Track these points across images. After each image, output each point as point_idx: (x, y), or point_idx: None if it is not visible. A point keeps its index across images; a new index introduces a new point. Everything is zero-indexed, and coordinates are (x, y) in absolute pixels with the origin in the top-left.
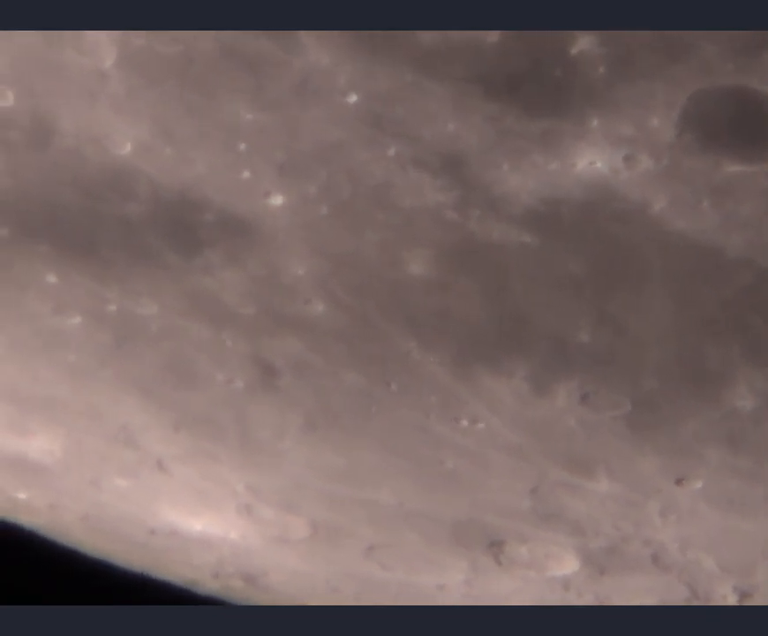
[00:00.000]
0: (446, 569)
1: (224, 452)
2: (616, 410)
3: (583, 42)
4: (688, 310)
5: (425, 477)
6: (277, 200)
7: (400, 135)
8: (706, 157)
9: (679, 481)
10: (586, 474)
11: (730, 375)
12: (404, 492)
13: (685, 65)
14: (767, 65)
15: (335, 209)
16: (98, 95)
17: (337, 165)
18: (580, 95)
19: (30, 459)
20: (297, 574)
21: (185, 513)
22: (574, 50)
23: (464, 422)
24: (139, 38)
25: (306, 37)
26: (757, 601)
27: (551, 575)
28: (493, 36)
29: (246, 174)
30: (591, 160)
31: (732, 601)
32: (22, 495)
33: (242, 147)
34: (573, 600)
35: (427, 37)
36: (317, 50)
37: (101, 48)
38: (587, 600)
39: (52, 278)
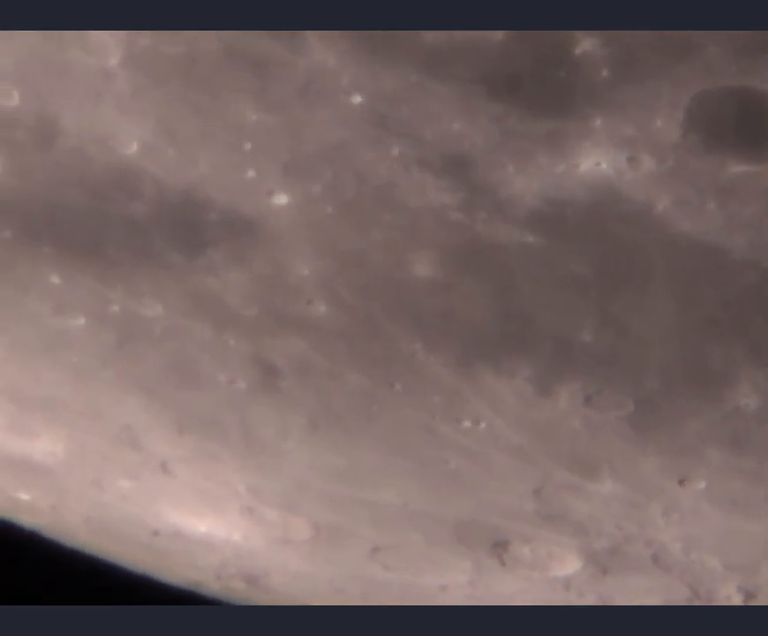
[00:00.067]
0: (449, 570)
1: (227, 453)
2: (619, 410)
3: (587, 43)
4: (692, 310)
5: (429, 478)
6: (281, 199)
7: (404, 136)
8: (710, 158)
9: (682, 482)
10: (589, 475)
11: (733, 375)
12: (408, 493)
13: (689, 66)
14: None
15: (339, 210)
16: (103, 95)
17: (341, 165)
18: (584, 96)
19: (33, 460)
20: (300, 575)
21: (188, 514)
22: (578, 51)
23: (468, 423)
24: (144, 38)
25: (311, 38)
26: (761, 601)
27: (553, 575)
28: (497, 37)
29: (251, 174)
30: (596, 161)
31: (737, 601)
32: (24, 496)
33: (246, 146)
34: (575, 600)
35: (431, 38)
36: (321, 51)
37: (107, 48)
38: (590, 600)
39: (55, 279)
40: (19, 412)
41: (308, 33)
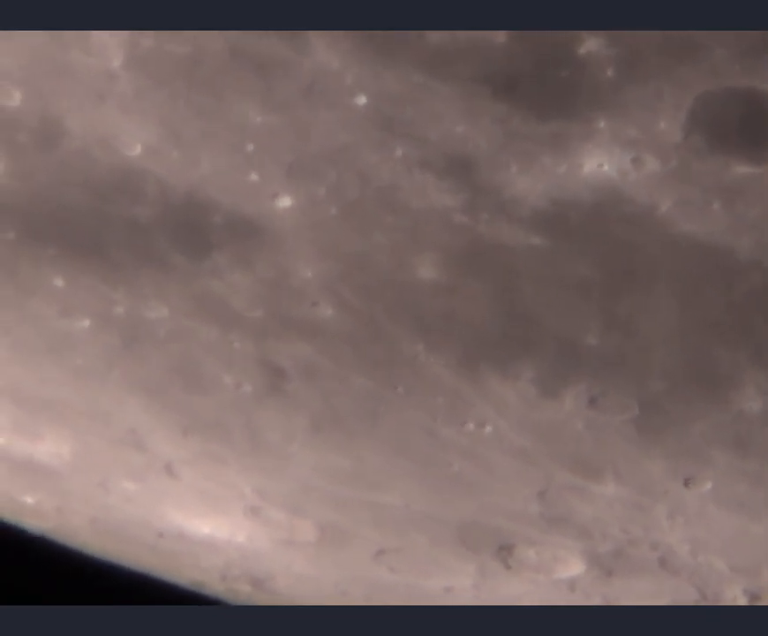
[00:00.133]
0: (454, 572)
1: (232, 455)
2: (624, 413)
3: (591, 44)
4: (696, 312)
5: (433, 480)
6: (285, 201)
7: (408, 137)
8: (714, 159)
9: (687, 484)
10: (594, 477)
11: (738, 378)
12: (412, 495)
13: (692, 67)
14: None
15: (342, 211)
16: (106, 96)
17: (345, 167)
18: (587, 97)
19: (38, 462)
20: (305, 577)
21: (193, 516)
22: (581, 52)
23: (471, 425)
24: (147, 39)
25: (314, 38)
26: (766, 602)
27: (558, 578)
28: (500, 37)
29: (254, 176)
30: (599, 162)
31: (742, 602)
32: (30, 499)
33: (250, 148)
34: (581, 603)
35: (435, 38)
36: (325, 52)
37: (109, 49)
38: (595, 603)
39: (59, 281)
40: (24, 415)
41: (312, 33)
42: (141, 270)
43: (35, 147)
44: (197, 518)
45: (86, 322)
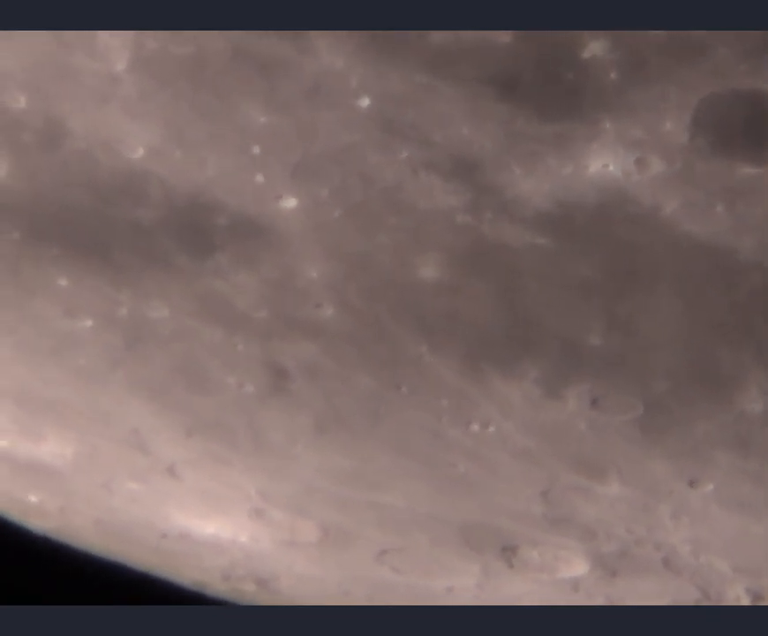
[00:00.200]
0: (457, 572)
1: (235, 456)
2: (627, 413)
3: (595, 46)
4: (700, 313)
5: (436, 480)
6: (290, 203)
7: (412, 138)
8: (719, 160)
9: (690, 484)
10: (597, 478)
11: (741, 378)
12: (415, 495)
13: (697, 68)
14: None
15: (347, 212)
16: (110, 98)
17: (350, 168)
18: (592, 98)
19: (41, 463)
20: (308, 578)
21: (196, 517)
22: (586, 54)
23: (475, 426)
24: (150, 41)
25: (318, 39)
26: None
27: (561, 578)
28: (504, 38)
29: (259, 177)
30: (604, 163)
31: (745, 602)
32: (33, 499)
33: (255, 150)
34: (584, 603)
35: (439, 39)
36: (329, 53)
37: (113, 51)
38: (599, 603)
39: (63, 281)
40: (27, 415)
41: (315, 34)
42: (145, 271)
43: (39, 148)
44: (200, 518)
45: (90, 323)
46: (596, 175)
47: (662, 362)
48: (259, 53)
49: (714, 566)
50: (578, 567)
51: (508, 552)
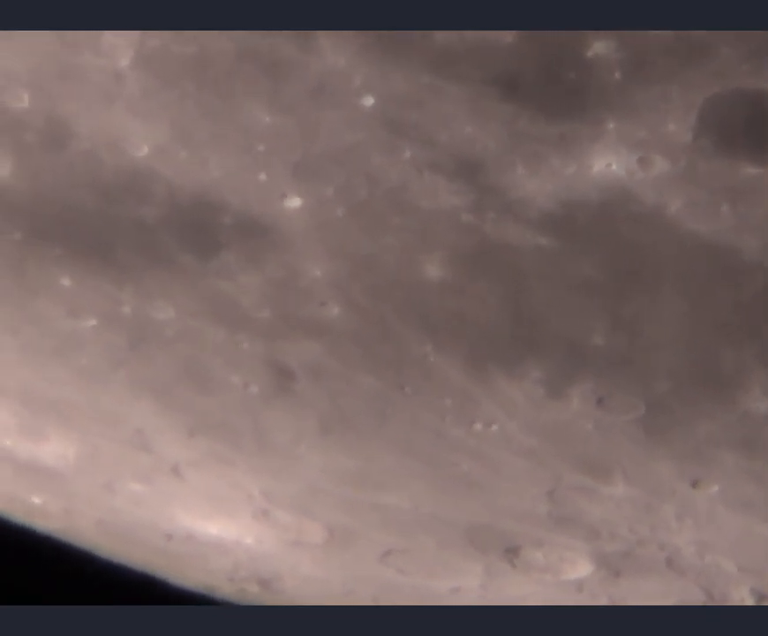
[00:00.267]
0: (461, 573)
1: (239, 456)
2: (631, 413)
3: (599, 46)
4: (703, 312)
5: (441, 480)
6: (294, 202)
7: (416, 138)
8: (723, 160)
9: (694, 484)
10: (601, 478)
11: (745, 378)
12: (419, 496)
13: (701, 68)
14: None
15: (351, 212)
16: (114, 97)
17: (354, 167)
18: (596, 98)
19: (44, 463)
20: (313, 579)
21: (201, 518)
22: (589, 53)
23: (479, 425)
24: (155, 40)
25: (323, 39)
26: None
27: (566, 579)
28: (508, 38)
29: (263, 176)
30: (607, 163)
31: (750, 603)
32: (36, 500)
33: (259, 149)
34: (588, 603)
35: (443, 39)
36: (333, 53)
37: (117, 50)
38: (603, 603)
39: (66, 281)
40: (30, 415)
41: (319, 34)
42: (148, 271)
43: (43, 147)
44: (204, 519)
45: (93, 322)
46: (599, 175)
47: (666, 362)
48: (263, 53)
49: (719, 567)
50: (582, 568)
51: (512, 553)
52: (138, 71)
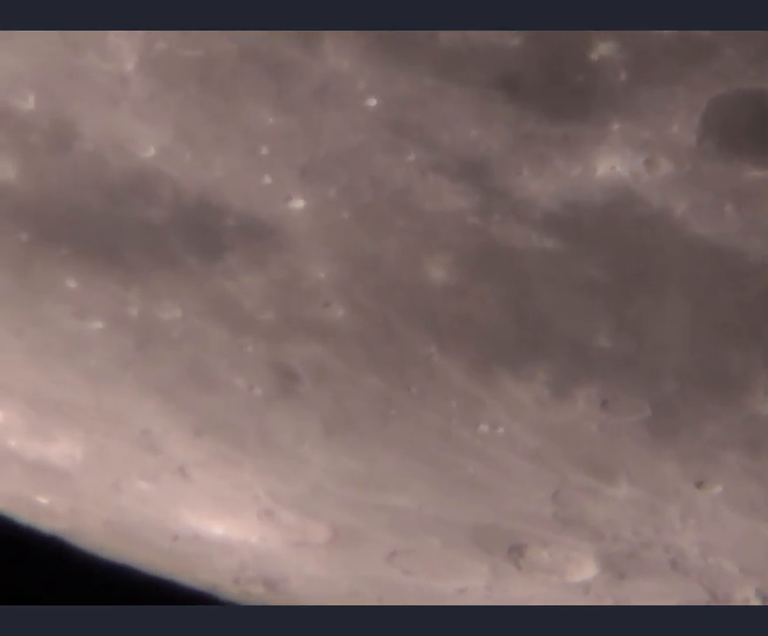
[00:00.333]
0: (466, 574)
1: (245, 457)
2: (636, 414)
3: (604, 48)
4: (708, 314)
5: (446, 482)
6: (298, 204)
7: (420, 140)
8: (727, 161)
9: (699, 486)
10: (606, 479)
11: (749, 380)
12: (425, 497)
13: (705, 70)
14: None
15: (355, 214)
16: (119, 99)
17: (358, 170)
18: (601, 100)
19: (51, 464)
20: (318, 579)
21: (207, 518)
22: (594, 56)
23: (484, 427)
24: (160, 42)
25: (326, 41)
26: None
27: (571, 580)
28: (513, 40)
29: (267, 178)
30: (612, 164)
31: (755, 604)
32: (43, 500)
33: (263, 151)
34: (592, 603)
35: (447, 41)
36: (337, 54)
37: (123, 52)
38: (607, 604)
39: (72, 283)
40: (37, 416)
41: (323, 36)
42: (154, 272)
43: (48, 149)
44: (210, 519)
45: (99, 324)
46: (604, 176)
47: (671, 364)
48: (267, 55)
49: (723, 568)
50: (588, 569)
51: (517, 553)
52: (143, 73)
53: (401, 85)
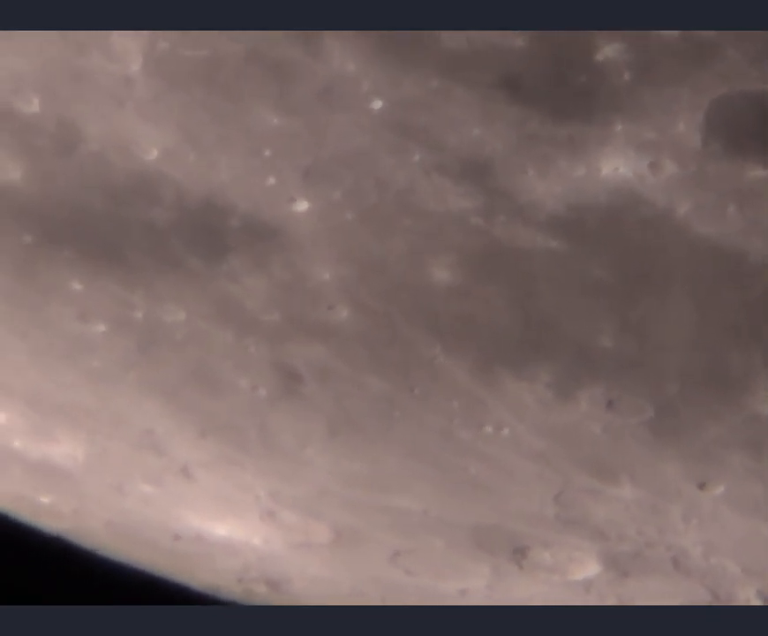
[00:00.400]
0: (469, 574)
1: (248, 458)
2: (639, 415)
3: (608, 49)
4: (711, 315)
5: (449, 483)
6: (302, 205)
7: (424, 141)
8: (731, 162)
9: (701, 486)
10: (610, 480)
11: (752, 380)
12: (428, 498)
13: (709, 71)
14: None
15: (359, 215)
16: (124, 101)
17: (362, 171)
18: (605, 101)
19: (54, 464)
20: (320, 580)
21: (209, 519)
22: (599, 56)
23: (488, 428)
24: (164, 43)
25: (331, 42)
26: None
27: (573, 580)
28: (518, 42)
29: (271, 180)
30: (616, 165)
31: (756, 604)
32: (46, 500)
33: (267, 152)
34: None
35: (451, 42)
36: (341, 56)
37: (127, 53)
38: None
39: (76, 284)
40: (40, 417)
41: (327, 37)
42: (158, 274)
43: (53, 151)
44: (213, 520)
45: (103, 326)
46: (608, 177)
47: (674, 364)
48: (271, 56)
49: (725, 568)
50: (590, 569)
51: (519, 554)
52: (147, 74)
53: (405, 86)
